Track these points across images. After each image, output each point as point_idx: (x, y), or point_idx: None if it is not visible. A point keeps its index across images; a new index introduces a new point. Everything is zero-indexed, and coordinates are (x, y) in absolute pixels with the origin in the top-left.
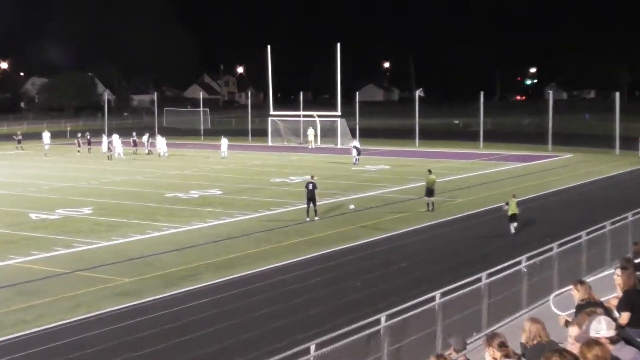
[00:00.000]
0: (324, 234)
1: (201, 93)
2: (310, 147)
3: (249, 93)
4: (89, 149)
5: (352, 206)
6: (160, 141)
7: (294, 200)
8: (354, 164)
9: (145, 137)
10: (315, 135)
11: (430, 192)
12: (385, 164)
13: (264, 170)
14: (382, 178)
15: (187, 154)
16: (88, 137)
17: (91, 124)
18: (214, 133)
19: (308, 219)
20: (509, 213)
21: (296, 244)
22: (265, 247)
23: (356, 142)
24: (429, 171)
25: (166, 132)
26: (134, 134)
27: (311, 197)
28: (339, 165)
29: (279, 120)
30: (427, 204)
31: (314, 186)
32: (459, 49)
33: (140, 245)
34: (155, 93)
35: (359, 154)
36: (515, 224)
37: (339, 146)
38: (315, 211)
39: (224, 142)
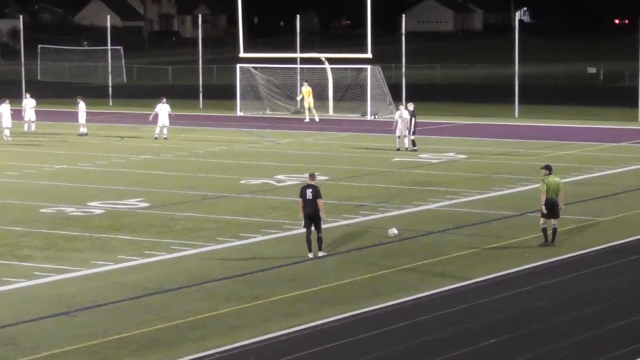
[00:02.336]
0: (339, 283)
1: (108, 17)
2: (307, 119)
3: (199, 18)
4: None
5: (393, 231)
6: (29, 106)
7: (284, 218)
8: (400, 150)
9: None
10: (313, 96)
11: (552, 208)
12: (456, 150)
13: (227, 163)
14: (450, 178)
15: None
16: None
17: None
18: (133, 93)
19: (310, 255)
20: None
21: (289, 302)
22: (230, 309)
23: (404, 110)
24: (547, 169)
25: (42, 89)
26: None
27: (312, 214)
28: (370, 154)
29: (255, 69)
30: (544, 230)
31: (317, 193)
32: None
33: None
34: (21, 17)
35: (413, 131)
36: None
37: (368, 117)
38: (320, 240)
39: (164, 110)
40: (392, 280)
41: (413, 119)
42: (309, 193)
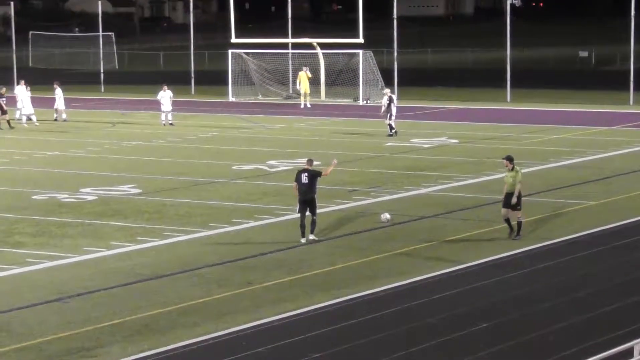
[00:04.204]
0: (331, 268)
1: (99, 3)
2: (303, 105)
3: (191, 3)
4: None
5: (386, 216)
6: (23, 94)
7: (277, 204)
8: (391, 135)
9: None
10: (310, 82)
11: (511, 199)
12: (448, 135)
13: (219, 149)
14: (442, 162)
15: (76, 118)
16: None
17: None
18: (125, 79)
19: (303, 240)
20: None
21: (282, 287)
22: (222, 295)
23: (387, 95)
24: (509, 160)
25: (33, 76)
26: None
27: (308, 200)
28: (362, 139)
29: (246, 55)
30: (508, 222)
31: (313, 178)
32: None
33: None
34: (12, 3)
35: (389, 115)
36: None
37: (360, 102)
38: (314, 222)
39: (166, 97)
40: (384, 265)
41: (392, 105)
42: (304, 177)
